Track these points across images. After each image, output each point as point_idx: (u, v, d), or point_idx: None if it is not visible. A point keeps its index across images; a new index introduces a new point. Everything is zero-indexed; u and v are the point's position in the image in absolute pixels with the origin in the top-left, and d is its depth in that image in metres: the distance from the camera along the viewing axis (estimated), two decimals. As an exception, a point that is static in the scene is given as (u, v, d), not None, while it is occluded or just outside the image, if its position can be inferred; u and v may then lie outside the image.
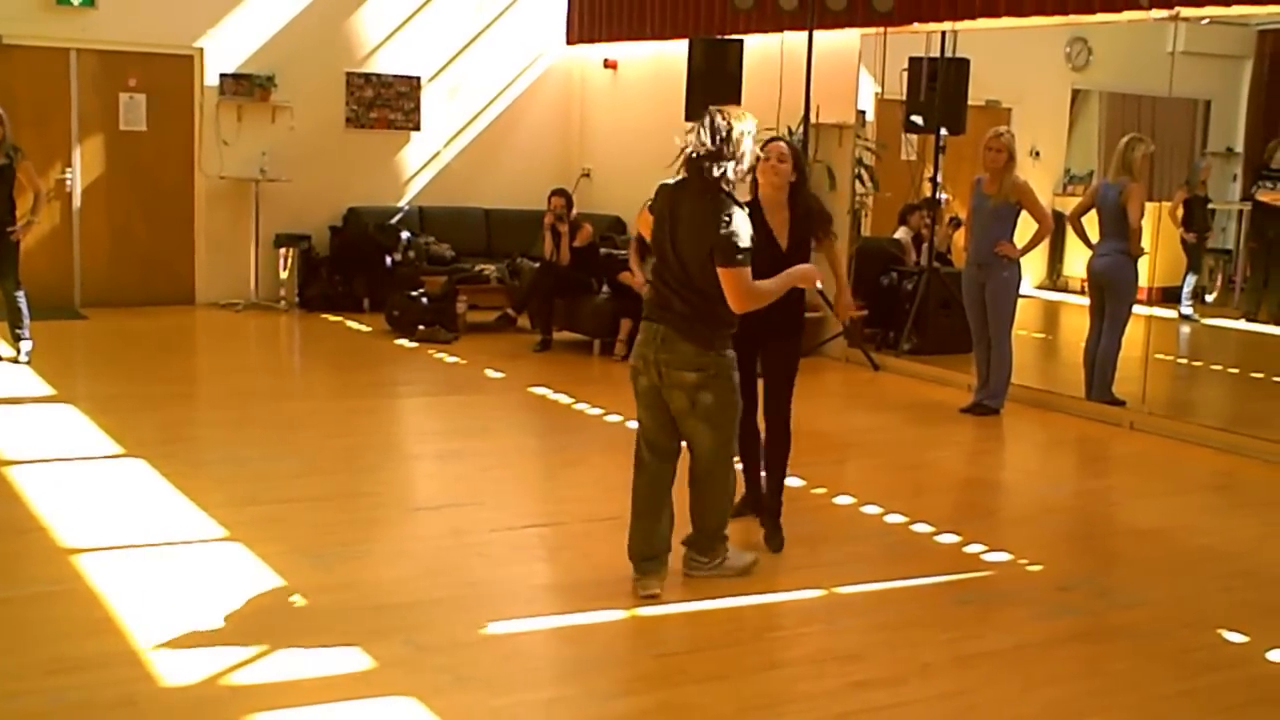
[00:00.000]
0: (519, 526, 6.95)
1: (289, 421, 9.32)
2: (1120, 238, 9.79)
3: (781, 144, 6.37)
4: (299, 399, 10.38)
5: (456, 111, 15.45)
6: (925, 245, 12.39)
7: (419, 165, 15.33)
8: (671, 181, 5.75)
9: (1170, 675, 5.23)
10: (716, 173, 5.51)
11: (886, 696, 4.92)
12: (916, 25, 11.48)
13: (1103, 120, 14.86)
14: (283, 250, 14.27)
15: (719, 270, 5.50)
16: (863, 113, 12.51)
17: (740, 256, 5.48)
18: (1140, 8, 9.60)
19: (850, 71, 12.23)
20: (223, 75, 14.10)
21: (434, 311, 12.76)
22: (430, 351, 12.10)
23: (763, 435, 6.72)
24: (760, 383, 6.64)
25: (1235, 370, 12.93)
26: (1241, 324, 13.70)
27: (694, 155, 5.56)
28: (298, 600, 5.63)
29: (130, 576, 5.84)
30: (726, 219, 5.48)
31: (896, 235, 12.89)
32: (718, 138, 5.52)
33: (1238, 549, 7.05)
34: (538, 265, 12.72)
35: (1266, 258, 13.42)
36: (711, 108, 5.64)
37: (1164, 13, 9.57)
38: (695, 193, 5.58)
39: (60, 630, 5.22)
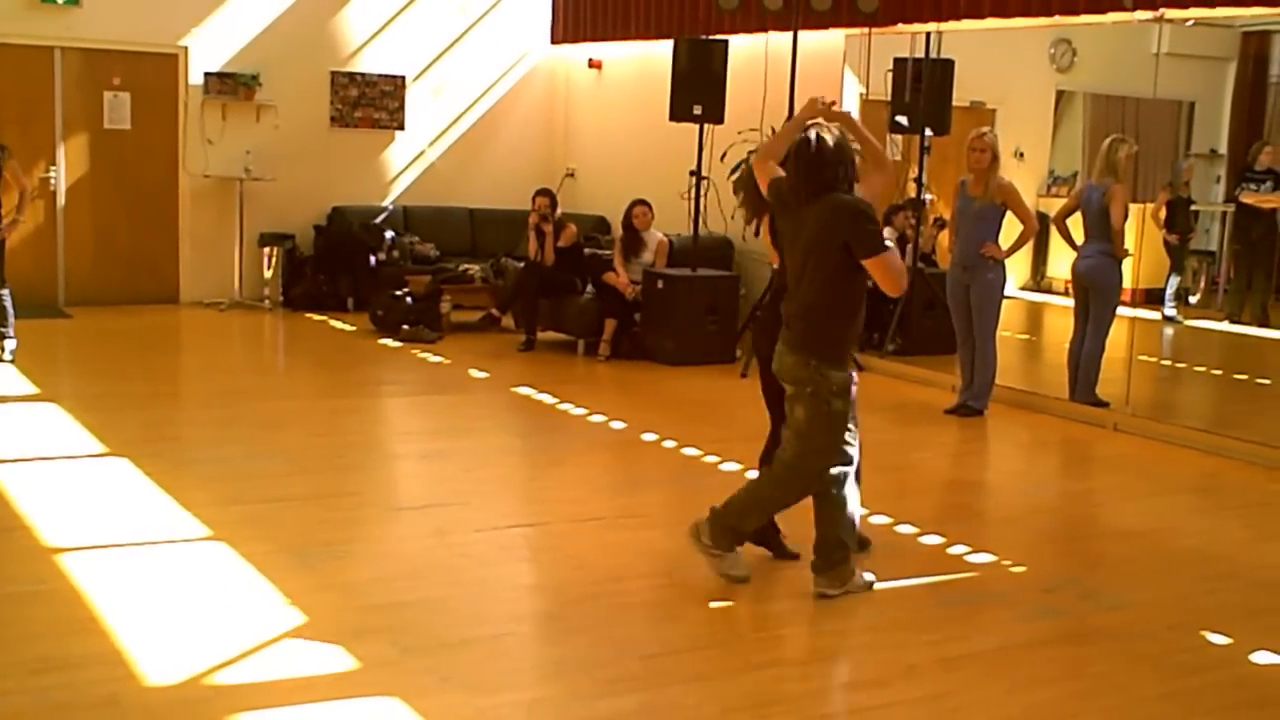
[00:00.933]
0: (503, 527, 6.95)
1: (273, 421, 9.31)
2: (1104, 239, 9.81)
3: None
4: (283, 398, 10.36)
5: (441, 111, 15.44)
6: (910, 246, 12.39)
7: (403, 165, 15.32)
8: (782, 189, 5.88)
9: (1153, 677, 5.24)
10: (831, 175, 5.62)
11: (870, 698, 4.92)
12: (901, 26, 11.49)
13: (1087, 121, 14.89)
14: (267, 249, 14.25)
15: (867, 261, 5.55)
16: (847, 113, 12.49)
17: (887, 243, 5.59)
18: (1124, 9, 9.62)
19: (835, 72, 12.23)
20: (207, 74, 14.08)
21: (418, 311, 12.75)
22: (414, 351, 12.09)
23: None
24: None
25: (1218, 372, 12.96)
26: (1225, 326, 13.73)
27: (808, 168, 5.64)
28: (281, 600, 5.62)
29: (114, 576, 5.83)
30: (862, 211, 5.61)
31: (881, 236, 12.87)
32: (825, 149, 5.64)
33: (1221, 551, 7.07)
34: (522, 265, 12.71)
35: (1249, 259, 13.45)
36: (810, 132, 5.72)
37: (1148, 14, 9.59)
38: (820, 200, 5.63)
39: (43, 630, 5.21)
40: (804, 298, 5.72)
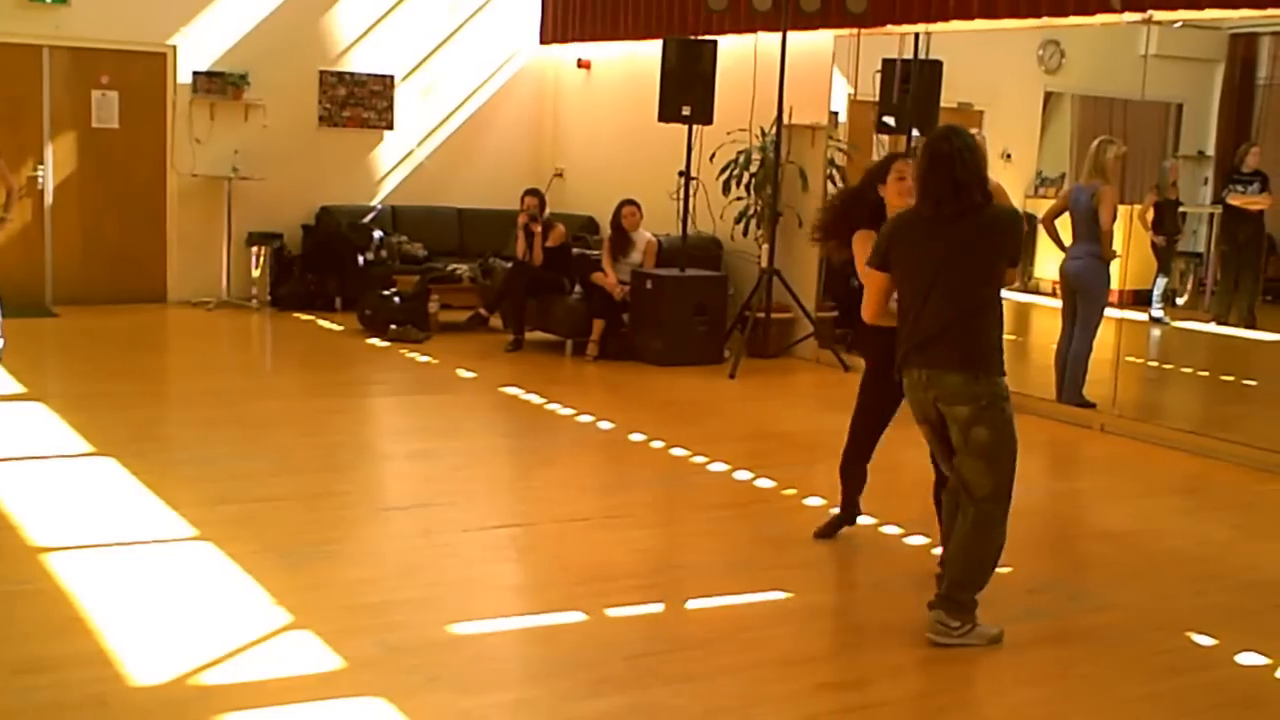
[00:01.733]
0: (490, 527, 6.95)
1: (260, 421, 9.30)
2: (1092, 240, 9.83)
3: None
4: (270, 398, 10.34)
5: (430, 110, 15.43)
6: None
7: (392, 164, 15.31)
8: (907, 215, 5.59)
9: (1138, 678, 5.25)
10: (981, 192, 5.38)
11: (855, 698, 4.93)
12: (890, 27, 11.50)
13: (1075, 123, 14.90)
14: (255, 248, 14.23)
15: (1010, 270, 5.52)
16: (835, 114, 12.53)
17: None
18: (1113, 10, 9.64)
19: (823, 73, 12.25)
20: (195, 73, 14.05)
21: (406, 311, 12.73)
22: (402, 351, 12.08)
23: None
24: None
25: (1205, 373, 12.98)
26: (1212, 327, 13.74)
27: (952, 186, 5.33)
28: (268, 600, 5.62)
29: (100, 576, 5.82)
30: (1018, 222, 5.57)
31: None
32: (973, 163, 5.34)
33: (1207, 552, 7.08)
34: (510, 265, 12.70)
35: (1237, 261, 13.46)
36: (939, 140, 5.38)
37: (1136, 16, 9.61)
38: (980, 212, 5.39)
39: (29, 630, 5.20)
40: (952, 312, 5.39)
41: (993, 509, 5.51)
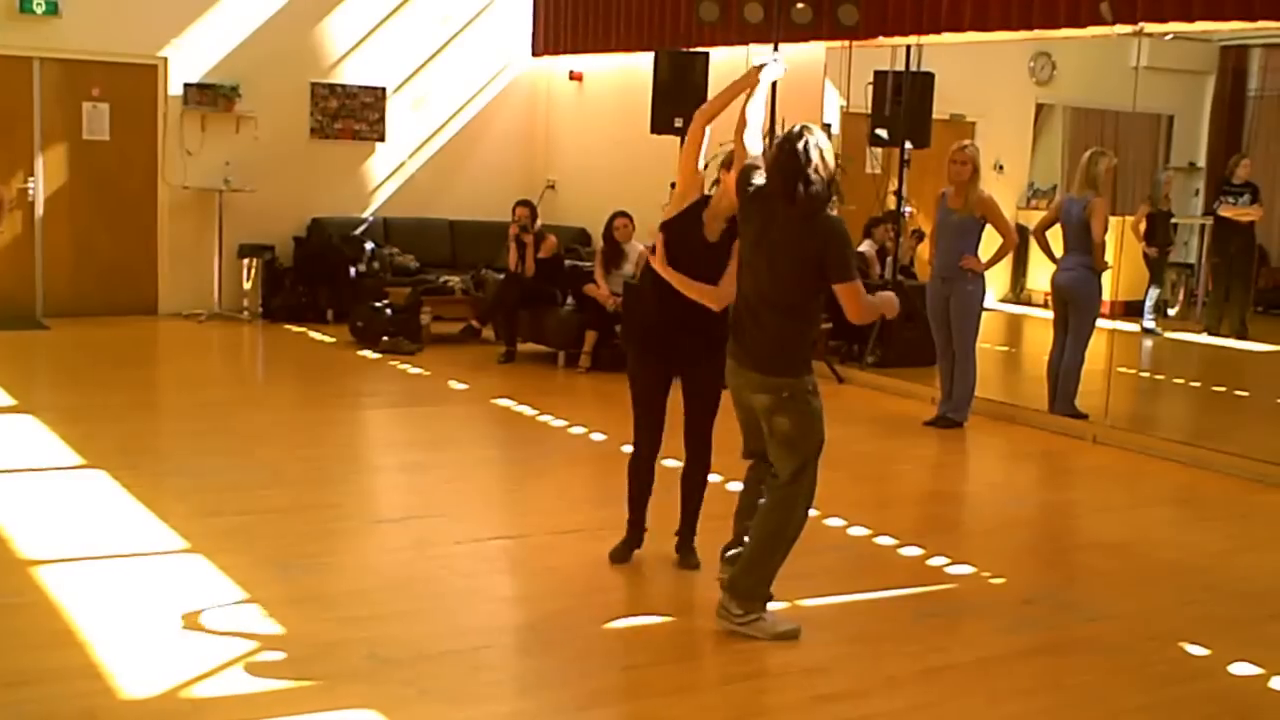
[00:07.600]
0: (483, 539, 6.93)
1: (252, 433, 9.28)
2: (1084, 252, 9.83)
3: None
4: (262, 410, 10.32)
5: (422, 122, 15.43)
6: (889, 258, 12.43)
7: (384, 176, 15.30)
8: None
9: (1132, 688, 5.25)
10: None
11: (851, 709, 4.92)
12: (882, 39, 11.52)
13: (1066, 134, 14.96)
14: (246, 260, 14.23)
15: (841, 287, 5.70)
16: (828, 126, 12.53)
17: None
18: (1104, 22, 9.65)
19: (815, 85, 12.26)
20: (187, 85, 14.04)
21: (398, 323, 12.72)
22: (394, 363, 12.06)
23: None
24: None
25: (1197, 384, 12.99)
26: (1203, 338, 13.78)
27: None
28: (260, 612, 5.59)
29: (91, 588, 5.80)
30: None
31: (860, 248, 12.91)
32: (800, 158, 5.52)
33: (1200, 562, 7.08)
34: (502, 276, 12.70)
35: (1228, 272, 13.51)
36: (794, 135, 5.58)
37: (1128, 28, 9.62)
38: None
39: (20, 643, 5.18)
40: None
41: (792, 492, 5.62)
